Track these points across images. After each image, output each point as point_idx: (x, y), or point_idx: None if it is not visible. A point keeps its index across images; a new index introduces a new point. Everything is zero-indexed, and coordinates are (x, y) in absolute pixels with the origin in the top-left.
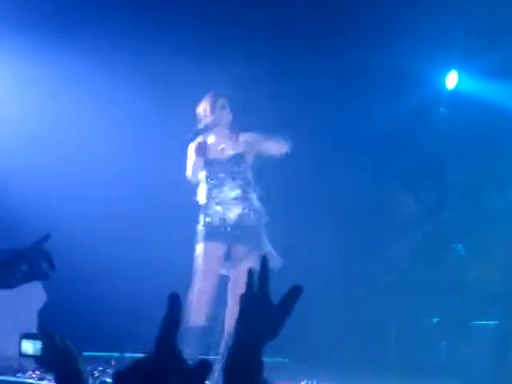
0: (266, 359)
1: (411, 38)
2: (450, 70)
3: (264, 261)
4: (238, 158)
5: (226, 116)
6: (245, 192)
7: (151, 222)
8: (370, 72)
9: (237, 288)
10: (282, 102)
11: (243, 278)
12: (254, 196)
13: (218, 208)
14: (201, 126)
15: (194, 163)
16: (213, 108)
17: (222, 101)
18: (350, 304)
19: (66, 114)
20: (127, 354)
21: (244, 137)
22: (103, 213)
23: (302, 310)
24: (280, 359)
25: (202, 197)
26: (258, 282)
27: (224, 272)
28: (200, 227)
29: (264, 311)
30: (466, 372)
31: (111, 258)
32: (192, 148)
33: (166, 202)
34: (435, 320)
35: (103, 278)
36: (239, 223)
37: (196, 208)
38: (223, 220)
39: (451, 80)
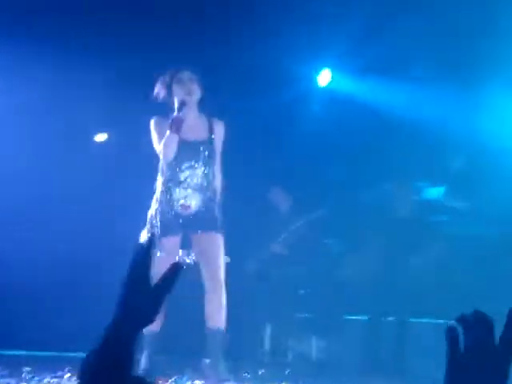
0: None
1: (284, 35)
2: (322, 67)
3: (148, 243)
4: (211, 143)
5: (196, 91)
6: (212, 179)
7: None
8: (243, 69)
9: (215, 275)
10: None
11: (217, 264)
12: (218, 184)
13: (184, 193)
14: (172, 99)
15: (170, 139)
16: (180, 81)
17: (188, 74)
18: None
19: None
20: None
21: (217, 125)
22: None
23: (172, 306)
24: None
25: (162, 179)
26: (140, 265)
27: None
28: (157, 214)
29: (145, 292)
30: (338, 366)
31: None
32: (158, 123)
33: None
34: (307, 315)
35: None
36: (203, 210)
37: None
38: (187, 206)
39: (324, 77)
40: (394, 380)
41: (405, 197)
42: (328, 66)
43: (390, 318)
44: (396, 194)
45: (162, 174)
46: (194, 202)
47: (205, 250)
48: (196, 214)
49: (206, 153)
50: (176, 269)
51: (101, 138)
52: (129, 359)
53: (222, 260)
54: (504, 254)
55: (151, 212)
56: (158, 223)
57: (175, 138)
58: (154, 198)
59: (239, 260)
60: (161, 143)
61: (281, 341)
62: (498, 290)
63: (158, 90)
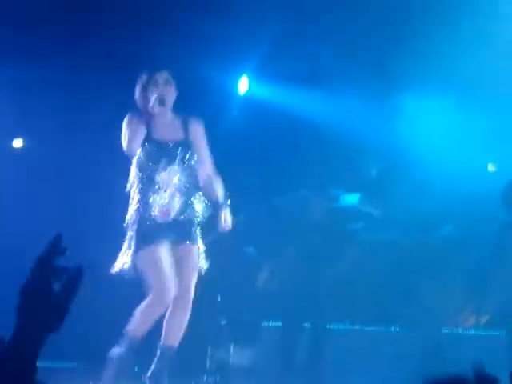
0: (51, 364)
1: (204, 41)
2: (242, 74)
3: (54, 241)
4: (187, 145)
5: (171, 93)
6: (190, 182)
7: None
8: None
9: (187, 291)
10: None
11: (191, 280)
12: (212, 186)
13: (162, 197)
14: (146, 103)
15: (133, 133)
16: (156, 83)
17: (165, 75)
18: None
19: None
20: None
21: (194, 124)
22: None
23: (92, 311)
24: (68, 363)
25: (136, 183)
26: (40, 271)
27: None
28: (135, 222)
29: (46, 298)
30: (256, 373)
31: None
32: (131, 120)
33: None
34: (223, 322)
35: None
36: (182, 217)
37: None
38: (166, 211)
39: (243, 85)
40: None
41: (321, 204)
42: (246, 74)
43: (307, 325)
44: (312, 201)
45: (136, 178)
46: (173, 207)
47: (180, 262)
48: (175, 221)
49: (184, 154)
50: (77, 274)
51: (17, 143)
52: (31, 368)
53: (195, 275)
54: (417, 259)
55: (128, 219)
56: (135, 233)
57: (141, 133)
58: (132, 204)
59: None
60: (126, 138)
61: (200, 348)
62: (411, 295)
63: (136, 91)
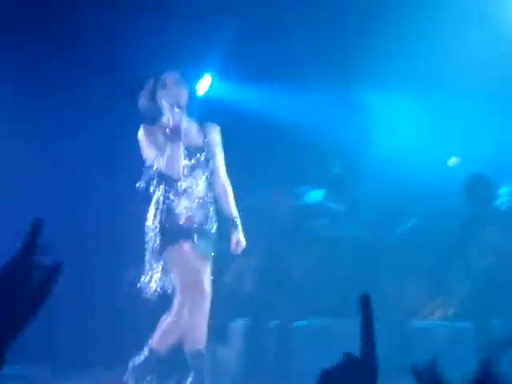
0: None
1: (164, 43)
2: (202, 74)
3: (35, 226)
4: (206, 149)
5: (184, 95)
6: (210, 190)
7: None
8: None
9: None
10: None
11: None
12: (225, 195)
13: (187, 204)
14: (163, 105)
15: (175, 152)
16: (167, 85)
17: (175, 76)
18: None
19: None
20: None
21: (211, 129)
22: None
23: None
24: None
25: (161, 189)
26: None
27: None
28: (162, 228)
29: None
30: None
31: None
32: (150, 132)
33: None
34: None
35: None
36: (203, 226)
37: None
38: (192, 219)
39: (203, 84)
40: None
41: (285, 201)
42: (207, 72)
43: (273, 322)
44: (277, 199)
45: (160, 184)
46: (198, 215)
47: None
48: (197, 229)
49: (203, 159)
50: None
51: None
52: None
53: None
54: (380, 254)
55: (150, 224)
56: (160, 235)
57: (179, 150)
58: (153, 210)
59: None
60: (164, 156)
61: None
62: (374, 289)
63: (143, 99)
